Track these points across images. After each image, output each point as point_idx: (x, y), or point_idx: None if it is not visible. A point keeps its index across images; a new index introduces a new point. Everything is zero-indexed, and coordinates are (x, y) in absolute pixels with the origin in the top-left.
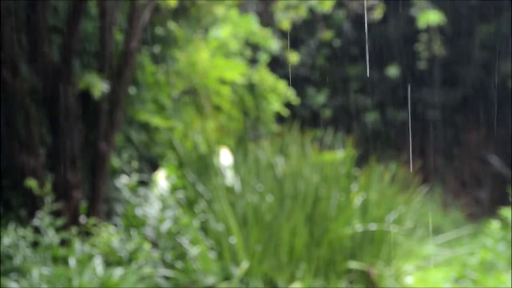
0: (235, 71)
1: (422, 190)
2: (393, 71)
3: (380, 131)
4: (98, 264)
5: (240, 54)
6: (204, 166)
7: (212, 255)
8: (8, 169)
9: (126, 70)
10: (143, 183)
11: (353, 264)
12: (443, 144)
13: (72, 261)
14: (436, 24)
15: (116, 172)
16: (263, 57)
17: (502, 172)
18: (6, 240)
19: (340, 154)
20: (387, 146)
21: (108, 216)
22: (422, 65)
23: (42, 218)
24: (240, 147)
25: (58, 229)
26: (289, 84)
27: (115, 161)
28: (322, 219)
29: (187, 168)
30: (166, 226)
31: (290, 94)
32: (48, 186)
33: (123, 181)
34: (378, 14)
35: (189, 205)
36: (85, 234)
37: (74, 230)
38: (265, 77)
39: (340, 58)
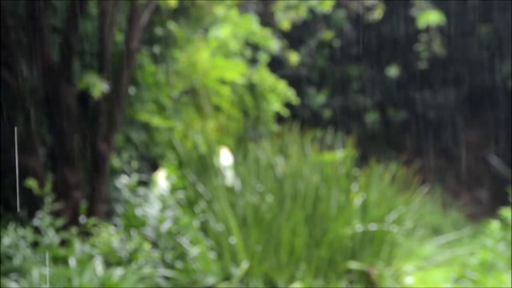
0: (235, 71)
1: (422, 190)
2: (393, 71)
3: (380, 131)
4: (98, 264)
5: (240, 54)
6: (204, 166)
7: (212, 255)
8: (8, 169)
9: (126, 70)
10: (143, 183)
11: (353, 264)
12: (443, 144)
13: (72, 261)
14: (436, 24)
15: (116, 172)
16: (263, 57)
17: (502, 172)
18: (6, 240)
19: (340, 154)
20: (387, 146)
21: (108, 216)
22: (422, 65)
23: (42, 218)
24: (240, 147)
25: (58, 229)
26: (289, 84)
27: (115, 161)
28: (322, 219)
29: (187, 168)
30: (166, 226)
31: (290, 94)
32: (48, 186)
33: (123, 181)
34: (378, 14)
35: (189, 205)
36: (85, 234)
37: (74, 230)
38: (265, 77)
39: (340, 58)
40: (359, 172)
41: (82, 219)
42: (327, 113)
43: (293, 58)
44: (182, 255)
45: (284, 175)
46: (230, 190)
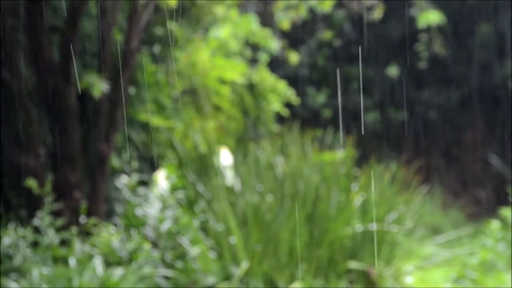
0: (235, 71)
1: (422, 190)
2: (393, 71)
3: (380, 131)
4: (98, 264)
5: (240, 54)
6: (204, 166)
7: (212, 255)
8: (8, 169)
9: (126, 70)
10: (143, 183)
11: (353, 264)
12: (443, 144)
13: (72, 261)
14: (436, 24)
15: (116, 172)
16: (263, 57)
17: (502, 172)
18: (6, 240)
19: (340, 154)
20: (387, 146)
21: (108, 216)
22: (422, 65)
23: (42, 218)
24: (240, 147)
25: (58, 229)
26: (289, 84)
27: (115, 161)
28: (322, 219)
29: (187, 168)
30: (166, 226)
31: (290, 94)
32: (48, 186)
33: (123, 181)
34: (378, 14)
35: (189, 205)
36: (85, 234)
37: (74, 230)
38: (265, 77)
39: (340, 58)
40: (359, 172)
41: (82, 219)
42: (327, 113)
43: (293, 58)
44: (182, 255)
45: (284, 175)
46: (230, 190)
